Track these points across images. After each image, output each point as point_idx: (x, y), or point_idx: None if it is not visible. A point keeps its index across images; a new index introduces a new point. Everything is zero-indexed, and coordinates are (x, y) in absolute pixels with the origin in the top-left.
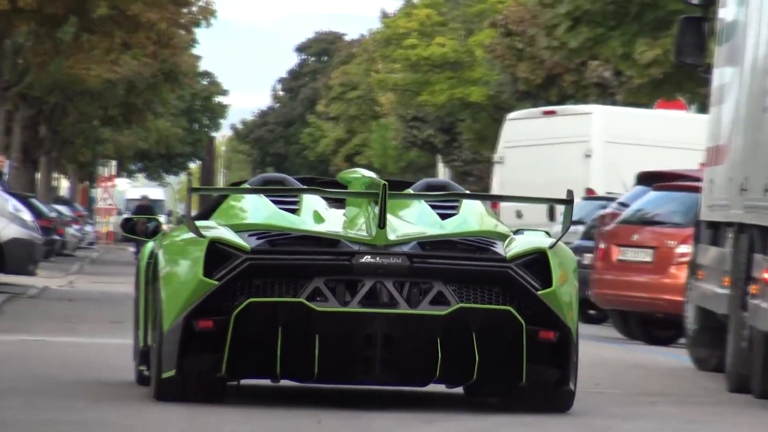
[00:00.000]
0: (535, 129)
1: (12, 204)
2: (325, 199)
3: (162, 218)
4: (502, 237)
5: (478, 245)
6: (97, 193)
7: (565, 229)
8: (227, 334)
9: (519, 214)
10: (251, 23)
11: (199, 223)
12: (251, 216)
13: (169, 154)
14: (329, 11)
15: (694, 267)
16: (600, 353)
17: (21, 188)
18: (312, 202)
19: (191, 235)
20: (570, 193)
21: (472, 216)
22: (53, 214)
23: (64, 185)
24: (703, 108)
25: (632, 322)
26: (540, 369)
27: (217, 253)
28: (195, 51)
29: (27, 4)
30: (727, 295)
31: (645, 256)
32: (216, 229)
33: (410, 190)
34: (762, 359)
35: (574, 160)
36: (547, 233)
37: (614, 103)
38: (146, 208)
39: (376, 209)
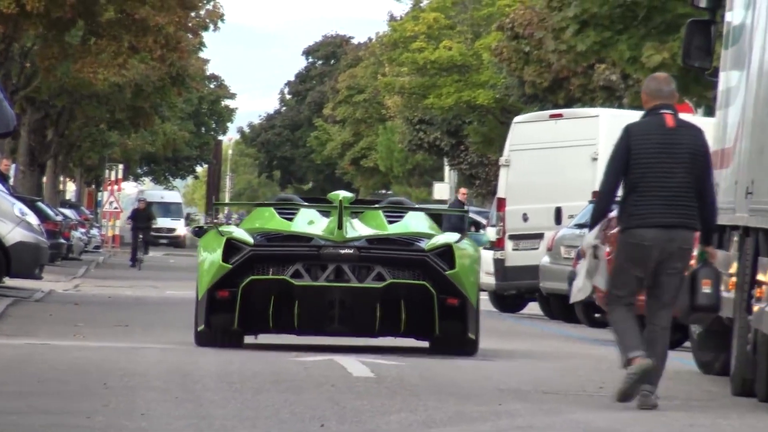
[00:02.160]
0: (541, 132)
1: (18, 207)
2: (319, 211)
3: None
4: (430, 236)
5: (408, 241)
6: (104, 196)
7: (465, 231)
8: (237, 300)
9: (525, 218)
10: (259, 27)
11: (225, 227)
12: (262, 222)
13: (176, 157)
14: (337, 15)
15: None
16: (605, 356)
17: (27, 192)
18: (309, 213)
19: (217, 234)
20: (464, 203)
21: (411, 222)
22: (59, 218)
23: (70, 189)
24: (709, 111)
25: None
26: (449, 324)
27: (232, 247)
28: (202, 54)
29: (35, 7)
30: (732, 298)
31: None
32: (236, 231)
33: (381, 205)
34: (766, 363)
35: (581, 163)
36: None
37: (621, 106)
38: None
39: (349, 218)
